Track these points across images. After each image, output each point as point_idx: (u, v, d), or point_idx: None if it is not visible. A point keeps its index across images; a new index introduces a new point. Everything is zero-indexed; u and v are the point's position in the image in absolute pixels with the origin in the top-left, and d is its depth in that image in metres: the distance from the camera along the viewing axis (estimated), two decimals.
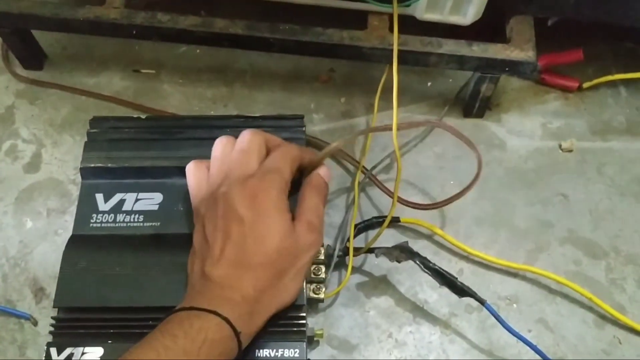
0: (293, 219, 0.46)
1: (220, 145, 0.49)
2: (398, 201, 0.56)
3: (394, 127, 0.49)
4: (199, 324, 0.40)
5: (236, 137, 0.50)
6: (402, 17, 0.58)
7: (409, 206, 0.58)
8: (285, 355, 0.46)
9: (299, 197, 0.48)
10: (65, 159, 0.64)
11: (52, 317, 0.48)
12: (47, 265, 0.57)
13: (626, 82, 0.69)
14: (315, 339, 0.52)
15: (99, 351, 0.46)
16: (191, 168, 0.50)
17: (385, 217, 0.55)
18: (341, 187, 0.62)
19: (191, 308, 0.42)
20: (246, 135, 0.49)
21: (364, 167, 0.61)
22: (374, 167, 0.61)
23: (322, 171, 0.50)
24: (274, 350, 0.46)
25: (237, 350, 0.42)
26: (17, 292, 0.56)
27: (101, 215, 0.52)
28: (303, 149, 0.50)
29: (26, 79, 0.68)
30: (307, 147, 0.51)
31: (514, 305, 0.56)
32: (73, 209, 0.57)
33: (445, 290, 0.52)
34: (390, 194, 0.59)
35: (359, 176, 0.61)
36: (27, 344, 0.54)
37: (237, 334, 0.41)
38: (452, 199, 0.55)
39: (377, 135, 0.64)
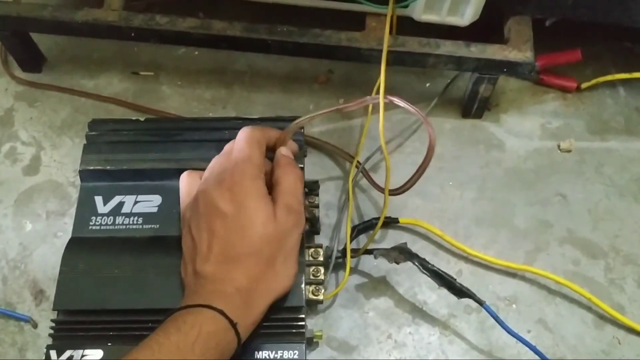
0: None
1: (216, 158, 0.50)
2: (385, 192, 0.55)
3: (381, 127, 0.49)
4: (192, 319, 0.41)
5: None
6: (400, 19, 0.58)
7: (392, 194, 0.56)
8: (284, 356, 0.46)
9: (272, 181, 0.48)
10: (64, 161, 0.64)
11: (52, 320, 0.48)
12: (47, 268, 0.58)
13: (625, 82, 0.69)
14: (314, 340, 0.52)
15: (98, 353, 0.46)
16: (184, 177, 0.51)
17: (385, 218, 0.55)
18: (339, 188, 0.62)
19: (186, 307, 0.42)
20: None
21: (357, 161, 0.61)
22: (366, 160, 0.61)
23: (283, 150, 0.50)
24: (273, 351, 0.46)
25: (237, 341, 0.42)
26: (17, 295, 0.56)
27: (100, 217, 0.52)
28: (265, 130, 0.50)
29: (25, 81, 0.69)
30: (270, 127, 0.51)
31: (513, 305, 0.56)
32: (72, 211, 0.57)
33: (445, 291, 0.52)
34: (382, 192, 0.58)
35: (353, 174, 0.61)
36: (27, 346, 0.54)
37: (233, 325, 0.41)
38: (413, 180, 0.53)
39: (373, 134, 0.64)
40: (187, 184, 0.51)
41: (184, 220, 0.49)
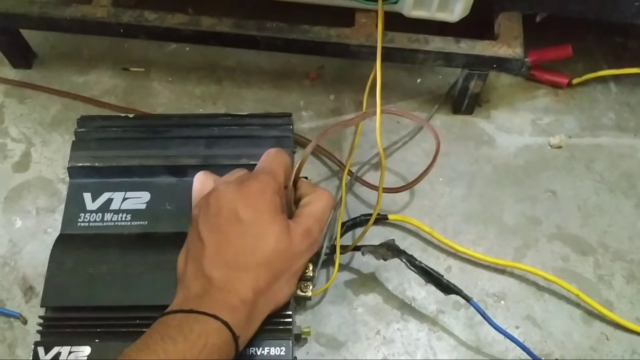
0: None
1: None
2: (383, 191, 0.56)
3: (378, 125, 0.49)
4: (199, 328, 0.40)
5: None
6: (389, 15, 0.58)
7: (388, 192, 0.59)
8: (271, 353, 0.46)
9: (302, 202, 0.49)
10: (54, 157, 0.64)
11: (40, 317, 0.48)
12: (37, 264, 0.58)
13: (616, 78, 0.69)
14: (302, 336, 0.52)
15: (86, 350, 0.46)
16: (199, 175, 0.51)
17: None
18: (329, 184, 0.62)
19: (191, 311, 0.41)
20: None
21: (349, 170, 0.61)
22: (359, 169, 0.61)
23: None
24: (260, 348, 0.46)
25: (234, 354, 0.42)
26: (7, 291, 0.57)
27: (89, 214, 0.52)
28: (288, 158, 0.51)
29: (13, 80, 0.68)
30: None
31: (502, 302, 0.56)
32: (62, 208, 0.57)
33: (433, 288, 0.52)
34: (375, 188, 0.59)
35: (346, 174, 0.61)
36: (16, 342, 0.54)
37: (235, 338, 0.41)
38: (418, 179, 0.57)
39: (366, 132, 0.64)
40: (201, 182, 0.50)
41: (193, 217, 0.48)
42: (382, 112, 0.51)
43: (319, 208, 0.48)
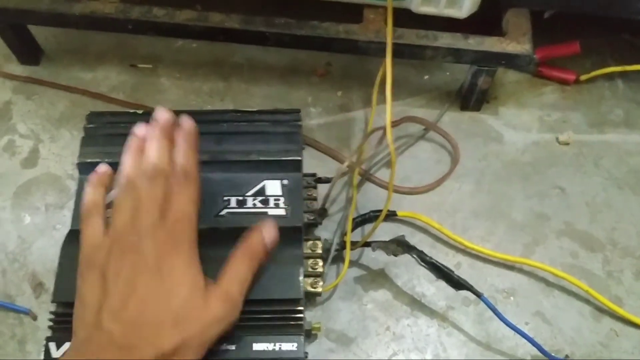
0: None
1: (127, 191, 0.44)
2: (394, 191, 0.56)
3: (388, 122, 0.49)
4: None
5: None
6: (398, 11, 0.57)
7: (402, 192, 0.58)
8: (282, 348, 0.46)
9: (230, 255, 0.45)
10: (62, 154, 0.64)
11: (51, 312, 0.48)
12: (46, 260, 0.58)
13: (623, 75, 0.69)
14: (313, 332, 0.52)
15: None
16: (86, 219, 0.45)
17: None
18: (340, 181, 0.62)
19: None
20: (148, 179, 0.44)
21: (360, 168, 0.61)
22: (369, 169, 0.61)
23: (266, 231, 0.45)
24: (272, 343, 0.46)
25: None
26: (16, 287, 0.57)
27: None
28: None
29: (20, 77, 0.68)
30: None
31: (511, 298, 0.56)
32: (71, 204, 0.57)
33: (443, 284, 0.52)
34: (386, 187, 0.59)
35: (357, 172, 0.61)
36: (26, 338, 0.54)
37: None
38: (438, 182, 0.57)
39: (375, 127, 0.64)
40: (90, 224, 0.45)
41: (92, 264, 0.42)
42: (405, 120, 0.50)
43: (243, 268, 0.44)
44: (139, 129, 0.47)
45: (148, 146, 0.45)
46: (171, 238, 0.42)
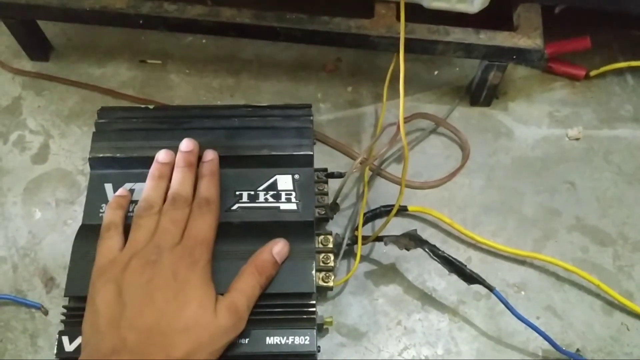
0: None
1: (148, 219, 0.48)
2: (406, 186, 0.56)
3: (401, 117, 0.49)
4: None
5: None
6: (409, 6, 0.58)
7: (413, 187, 0.59)
8: (295, 342, 0.46)
9: (240, 269, 0.47)
10: (72, 149, 0.64)
11: (64, 306, 0.48)
12: (57, 255, 0.58)
13: (633, 70, 0.69)
14: (324, 326, 0.52)
15: None
16: (105, 234, 0.48)
17: (393, 206, 0.55)
18: (350, 176, 0.62)
19: None
20: (176, 207, 0.48)
21: (373, 163, 0.61)
22: (382, 163, 0.61)
23: (276, 248, 0.48)
24: (285, 337, 0.47)
25: None
26: (27, 282, 0.57)
27: None
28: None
29: (30, 72, 0.68)
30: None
31: (522, 292, 0.56)
32: (81, 199, 0.57)
33: (454, 278, 0.52)
34: (398, 182, 0.59)
35: (368, 168, 0.61)
36: (38, 333, 0.54)
37: None
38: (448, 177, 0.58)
39: (386, 123, 0.64)
40: (107, 241, 0.48)
41: (108, 277, 0.45)
42: (416, 116, 0.50)
43: (250, 282, 0.46)
44: (161, 156, 0.51)
45: (174, 176, 0.50)
46: (189, 257, 0.45)
